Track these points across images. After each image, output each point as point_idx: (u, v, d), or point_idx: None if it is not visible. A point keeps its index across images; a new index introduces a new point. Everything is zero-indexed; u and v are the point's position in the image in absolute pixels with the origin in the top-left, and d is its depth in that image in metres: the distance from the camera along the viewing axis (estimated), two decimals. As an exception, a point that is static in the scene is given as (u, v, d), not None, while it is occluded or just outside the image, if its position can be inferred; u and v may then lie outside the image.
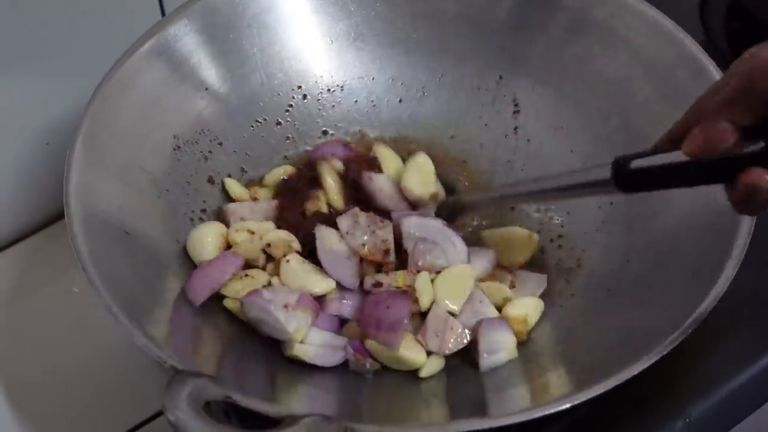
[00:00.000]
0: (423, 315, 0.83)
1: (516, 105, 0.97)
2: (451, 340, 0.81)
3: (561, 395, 0.69)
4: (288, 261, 0.84)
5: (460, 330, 0.82)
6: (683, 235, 0.82)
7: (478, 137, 0.98)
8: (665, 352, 0.70)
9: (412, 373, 0.81)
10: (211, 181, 0.92)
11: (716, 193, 0.78)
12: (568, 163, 0.92)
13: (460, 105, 0.99)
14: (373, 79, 1.00)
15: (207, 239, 0.86)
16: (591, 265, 0.87)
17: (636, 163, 0.69)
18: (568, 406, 0.68)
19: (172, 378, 0.66)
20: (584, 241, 0.89)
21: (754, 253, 0.76)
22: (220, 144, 0.94)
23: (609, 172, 0.71)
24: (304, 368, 0.80)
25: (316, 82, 0.99)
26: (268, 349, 0.81)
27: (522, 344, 0.82)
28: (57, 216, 1.02)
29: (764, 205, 0.64)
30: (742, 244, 0.75)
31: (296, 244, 0.86)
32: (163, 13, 0.98)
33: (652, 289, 0.80)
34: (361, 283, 0.84)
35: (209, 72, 0.93)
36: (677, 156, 0.66)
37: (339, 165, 0.93)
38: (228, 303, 0.83)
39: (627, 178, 0.70)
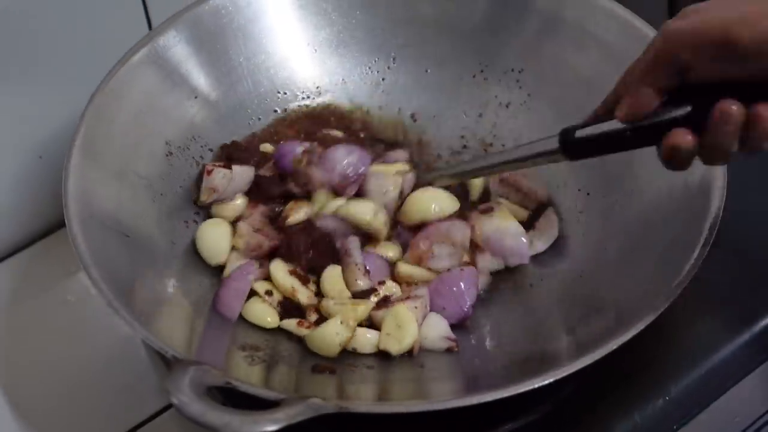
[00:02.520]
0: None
1: (495, 105, 1.00)
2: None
3: (541, 373, 0.71)
4: None
5: None
6: (656, 218, 0.84)
7: (459, 137, 1.00)
8: (641, 330, 0.72)
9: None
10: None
11: (687, 177, 0.82)
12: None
13: (440, 107, 1.01)
14: (355, 84, 1.02)
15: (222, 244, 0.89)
16: (569, 252, 0.90)
17: (579, 133, 0.75)
18: (550, 381, 0.70)
19: (174, 366, 0.68)
20: (563, 229, 0.92)
21: (728, 233, 0.79)
22: (211, 150, 0.96)
23: (556, 142, 0.76)
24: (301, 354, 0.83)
25: (301, 88, 1.01)
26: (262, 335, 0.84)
27: (495, 327, 0.85)
28: (51, 228, 1.04)
29: (687, 161, 0.70)
30: (711, 224, 0.77)
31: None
32: (150, 27, 0.99)
33: (627, 270, 0.83)
34: None
35: (198, 80, 0.95)
36: (615, 124, 0.72)
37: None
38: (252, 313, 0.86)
39: (573, 146, 0.76)
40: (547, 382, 0.70)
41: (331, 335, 0.82)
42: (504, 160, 0.85)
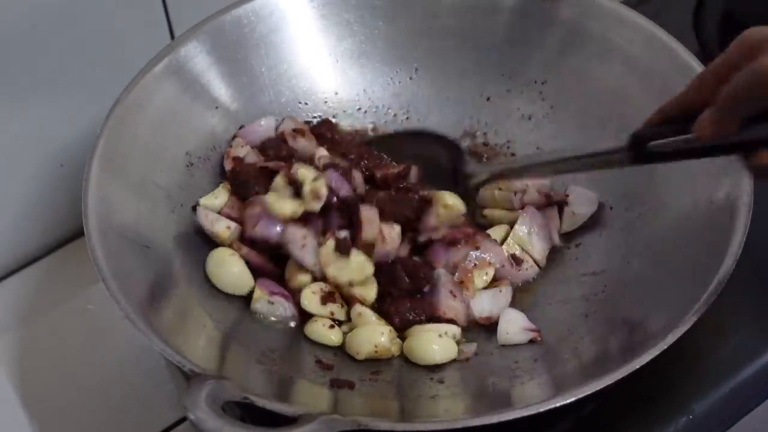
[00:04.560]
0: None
1: (518, 117, 0.99)
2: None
3: (563, 391, 0.71)
4: None
5: None
6: (681, 234, 0.83)
7: (482, 143, 1.00)
8: (666, 347, 0.71)
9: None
10: None
11: (712, 193, 0.81)
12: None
13: (462, 119, 1.01)
14: (377, 95, 1.02)
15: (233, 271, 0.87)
16: (592, 268, 0.89)
17: (654, 146, 0.73)
18: (572, 400, 0.69)
19: (192, 380, 0.68)
20: (586, 245, 0.91)
21: (754, 251, 0.78)
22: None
23: (624, 151, 0.75)
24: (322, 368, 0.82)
25: (322, 99, 1.01)
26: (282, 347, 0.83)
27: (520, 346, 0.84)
28: (72, 236, 1.04)
29: None
30: (738, 241, 0.77)
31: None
32: (172, 36, 1.00)
33: (652, 286, 0.82)
34: None
35: (219, 91, 0.95)
36: (692, 141, 0.70)
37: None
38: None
39: (643, 156, 0.74)
40: (569, 401, 0.69)
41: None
42: (562, 157, 0.83)
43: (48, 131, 0.98)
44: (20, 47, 0.91)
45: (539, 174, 0.91)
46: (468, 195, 0.91)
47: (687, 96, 0.71)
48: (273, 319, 0.85)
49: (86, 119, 0.96)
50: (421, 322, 0.85)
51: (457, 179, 0.93)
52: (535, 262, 0.90)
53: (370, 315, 0.85)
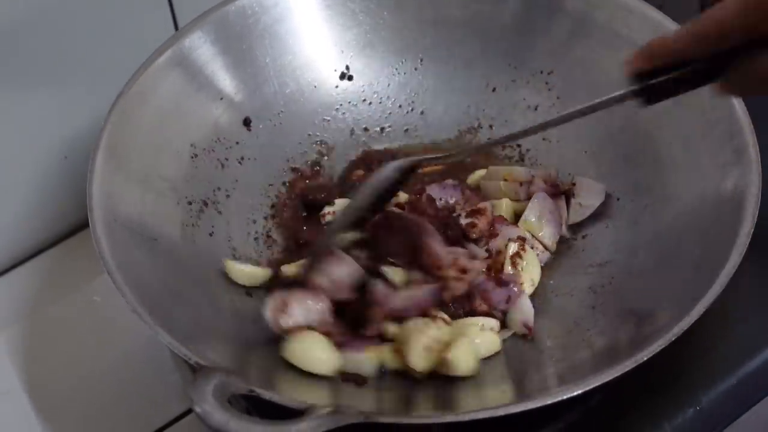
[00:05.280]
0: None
1: (524, 107, 0.99)
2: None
3: (570, 383, 0.71)
4: None
5: None
6: (689, 226, 0.83)
7: (486, 138, 1.00)
8: (674, 339, 0.71)
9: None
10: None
11: (720, 184, 0.81)
12: (582, 164, 0.94)
13: (469, 108, 1.01)
14: (381, 86, 1.01)
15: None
16: (598, 259, 0.89)
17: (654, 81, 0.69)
18: (580, 391, 0.69)
19: (198, 373, 0.67)
20: (592, 236, 0.91)
21: (762, 242, 0.78)
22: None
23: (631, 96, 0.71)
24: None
25: (327, 89, 1.00)
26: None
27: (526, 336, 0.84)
28: (76, 228, 1.04)
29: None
30: (746, 233, 0.76)
31: None
32: (176, 28, 0.99)
33: (660, 277, 0.82)
34: None
35: (224, 82, 0.95)
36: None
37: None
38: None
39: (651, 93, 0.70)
40: (576, 393, 0.69)
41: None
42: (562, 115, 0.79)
43: (51, 123, 0.98)
44: (22, 39, 0.90)
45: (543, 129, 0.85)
46: None
47: (683, 46, 0.66)
48: None
49: (89, 111, 0.96)
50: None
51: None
52: (546, 247, 0.90)
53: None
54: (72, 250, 1.03)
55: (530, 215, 0.90)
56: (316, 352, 0.80)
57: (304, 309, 0.82)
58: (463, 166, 0.98)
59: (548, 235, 0.90)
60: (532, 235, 0.90)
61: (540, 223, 0.90)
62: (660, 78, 0.68)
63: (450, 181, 0.94)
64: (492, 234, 0.89)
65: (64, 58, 0.94)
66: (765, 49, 0.62)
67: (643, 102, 0.71)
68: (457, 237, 0.88)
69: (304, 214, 0.95)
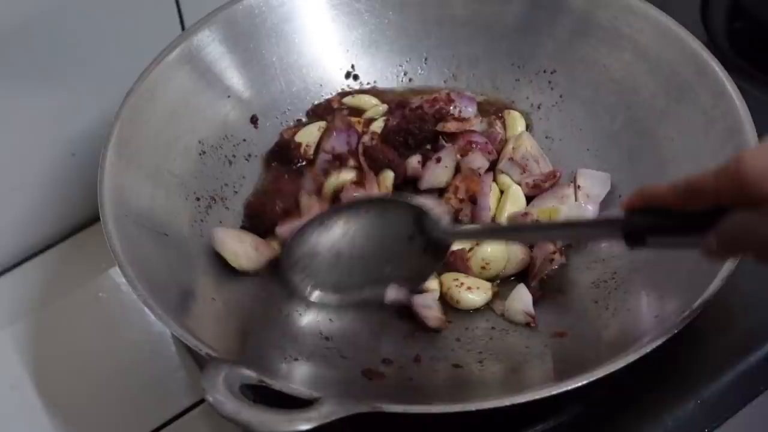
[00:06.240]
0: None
1: (527, 106, 1.00)
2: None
3: (574, 375, 0.71)
4: None
5: None
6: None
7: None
8: (674, 333, 0.72)
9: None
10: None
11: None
12: (585, 161, 0.95)
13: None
14: (387, 84, 1.02)
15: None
16: (601, 255, 0.89)
17: (651, 241, 0.69)
18: (583, 383, 0.70)
19: (208, 364, 0.68)
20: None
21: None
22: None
23: (619, 233, 0.70)
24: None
25: (333, 88, 1.01)
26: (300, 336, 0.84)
27: (532, 330, 0.85)
28: (83, 225, 1.05)
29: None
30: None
31: None
32: (182, 26, 1.00)
33: (661, 273, 0.82)
34: None
35: (232, 80, 0.96)
36: (691, 240, 0.67)
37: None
38: None
39: (638, 244, 0.70)
40: (579, 384, 0.70)
41: None
42: (552, 224, 0.84)
43: (58, 121, 0.98)
44: (31, 38, 0.91)
45: (523, 239, 0.88)
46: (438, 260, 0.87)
47: (681, 201, 0.66)
48: None
49: (96, 109, 0.97)
50: None
51: (424, 246, 0.86)
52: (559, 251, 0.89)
53: None
54: (78, 247, 1.04)
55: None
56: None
57: None
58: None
59: None
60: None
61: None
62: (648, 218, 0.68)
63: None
64: None
65: (70, 57, 0.95)
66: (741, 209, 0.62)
67: (627, 239, 0.70)
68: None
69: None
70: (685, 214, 0.66)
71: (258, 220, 0.91)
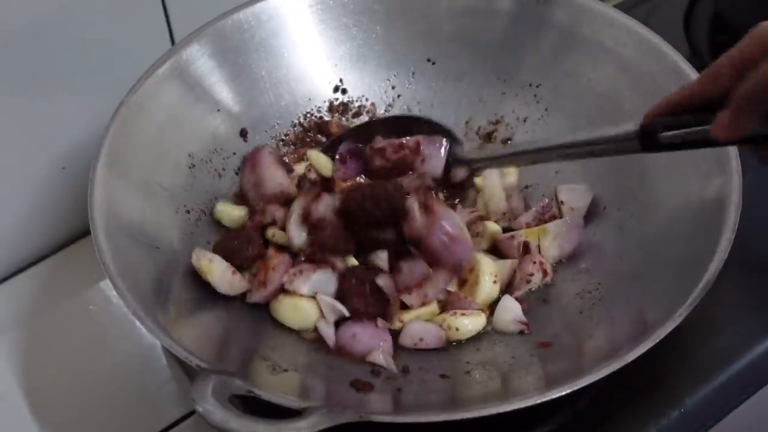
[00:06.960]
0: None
1: (512, 119, 1.01)
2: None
3: (558, 384, 0.72)
4: None
5: None
6: (673, 232, 0.85)
7: (477, 148, 1.01)
8: (656, 342, 0.73)
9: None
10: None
11: (703, 192, 0.83)
12: (570, 174, 0.96)
13: (459, 120, 1.02)
14: (375, 98, 1.03)
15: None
16: (585, 265, 0.90)
17: (665, 137, 0.71)
18: (566, 392, 0.71)
19: (198, 375, 0.69)
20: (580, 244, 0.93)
21: (744, 248, 0.80)
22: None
23: (634, 136, 0.73)
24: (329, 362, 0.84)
25: (321, 101, 1.02)
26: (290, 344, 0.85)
27: (520, 336, 0.86)
28: (73, 238, 1.05)
29: None
30: (728, 238, 0.78)
31: None
32: (172, 41, 1.01)
33: (644, 283, 0.83)
34: None
35: (221, 94, 0.97)
36: (704, 133, 0.68)
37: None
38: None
39: (655, 144, 0.72)
40: (563, 393, 0.71)
41: None
42: (568, 142, 0.82)
43: (50, 134, 0.99)
44: (22, 51, 0.91)
45: (542, 159, 0.87)
46: (459, 182, 0.91)
47: (699, 88, 0.69)
48: None
49: (86, 123, 0.97)
50: None
51: (448, 167, 0.92)
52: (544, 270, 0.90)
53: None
54: (68, 260, 1.04)
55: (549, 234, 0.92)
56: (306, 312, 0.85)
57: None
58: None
59: (551, 257, 0.92)
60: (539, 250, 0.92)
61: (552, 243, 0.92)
62: (670, 137, 0.70)
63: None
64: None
65: (60, 71, 0.95)
66: None
67: (644, 149, 0.72)
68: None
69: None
70: (695, 108, 0.68)
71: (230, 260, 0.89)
